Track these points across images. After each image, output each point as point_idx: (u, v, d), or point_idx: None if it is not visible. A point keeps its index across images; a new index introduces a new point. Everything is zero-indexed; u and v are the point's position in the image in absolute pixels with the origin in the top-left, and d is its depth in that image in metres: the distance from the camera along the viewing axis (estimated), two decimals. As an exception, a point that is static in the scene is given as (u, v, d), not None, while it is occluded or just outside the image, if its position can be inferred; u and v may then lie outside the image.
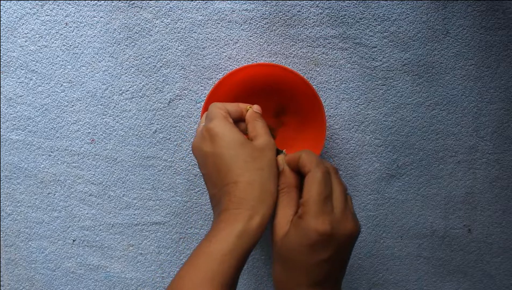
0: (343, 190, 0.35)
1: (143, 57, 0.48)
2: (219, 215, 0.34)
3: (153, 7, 0.47)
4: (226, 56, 0.48)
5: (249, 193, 0.34)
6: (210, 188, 0.37)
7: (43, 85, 0.48)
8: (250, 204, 0.34)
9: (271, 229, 0.36)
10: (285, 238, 0.34)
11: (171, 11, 0.47)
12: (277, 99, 0.47)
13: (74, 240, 0.51)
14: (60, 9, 0.47)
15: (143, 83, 0.48)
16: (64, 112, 0.49)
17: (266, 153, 0.36)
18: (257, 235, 0.33)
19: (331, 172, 0.36)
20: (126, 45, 0.48)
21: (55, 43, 0.48)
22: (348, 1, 0.47)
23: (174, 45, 0.47)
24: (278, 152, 0.38)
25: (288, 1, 0.47)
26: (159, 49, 0.48)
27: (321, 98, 0.44)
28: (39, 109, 0.49)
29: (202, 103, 0.48)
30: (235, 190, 0.34)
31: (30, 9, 0.47)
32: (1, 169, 0.50)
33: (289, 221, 0.35)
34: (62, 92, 0.48)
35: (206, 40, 0.47)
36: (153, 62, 0.48)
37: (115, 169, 0.49)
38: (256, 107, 0.41)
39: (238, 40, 0.47)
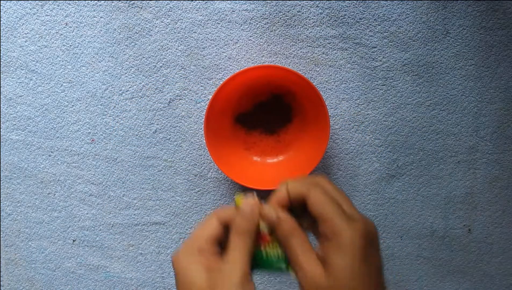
0: (344, 194, 0.32)
1: (143, 57, 0.48)
2: None
3: (153, 7, 0.47)
4: (226, 56, 0.48)
5: None
6: None
7: (43, 85, 0.48)
8: None
9: (301, 280, 0.30)
10: (329, 271, 0.29)
11: (171, 11, 0.47)
12: (280, 100, 0.47)
13: (74, 240, 0.51)
14: (60, 9, 0.47)
15: (143, 83, 0.48)
16: (64, 112, 0.49)
17: (224, 281, 0.30)
18: None
19: (326, 183, 0.32)
20: (126, 45, 0.48)
21: (55, 43, 0.48)
22: (348, 1, 0.47)
23: (174, 45, 0.47)
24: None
25: (288, 1, 0.47)
26: (159, 49, 0.48)
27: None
28: (39, 109, 0.49)
29: (202, 103, 0.48)
30: None
31: (30, 9, 0.47)
32: (1, 169, 0.50)
33: (317, 261, 0.30)
34: (62, 92, 0.48)
35: (206, 40, 0.47)
36: (153, 62, 0.48)
37: (115, 169, 0.49)
38: (249, 200, 0.32)
39: (238, 40, 0.47)
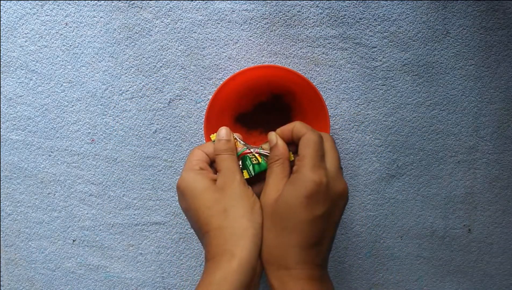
0: (337, 155, 0.36)
1: (143, 57, 0.48)
2: (204, 266, 0.35)
3: (153, 7, 0.47)
4: (226, 56, 0.48)
5: (221, 239, 0.34)
6: (199, 239, 0.38)
7: (43, 85, 0.48)
8: (224, 250, 0.33)
9: (260, 198, 0.36)
10: (279, 198, 0.34)
11: (171, 11, 0.47)
12: (280, 100, 0.47)
13: (74, 240, 0.51)
14: (60, 9, 0.47)
15: (143, 83, 0.48)
16: (64, 112, 0.49)
17: (226, 191, 0.35)
18: (241, 275, 0.32)
19: (328, 139, 0.36)
20: (126, 45, 0.48)
21: (55, 43, 0.48)
22: (348, 1, 0.47)
23: (174, 45, 0.47)
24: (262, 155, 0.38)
25: (288, 1, 0.47)
26: (159, 49, 0.48)
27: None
28: (39, 109, 0.49)
29: (202, 103, 0.48)
30: (208, 239, 0.35)
31: (30, 9, 0.47)
32: (1, 169, 0.50)
33: (280, 189, 0.35)
34: (62, 92, 0.48)
35: (206, 40, 0.47)
36: (153, 62, 0.48)
37: (115, 169, 0.49)
38: (222, 133, 0.38)
39: (238, 40, 0.47)
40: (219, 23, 0.47)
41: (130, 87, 0.48)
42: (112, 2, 0.47)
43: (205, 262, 0.35)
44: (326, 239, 0.34)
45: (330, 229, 0.34)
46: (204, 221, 0.35)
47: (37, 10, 0.47)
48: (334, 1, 0.47)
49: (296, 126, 0.37)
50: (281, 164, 0.36)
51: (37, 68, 0.48)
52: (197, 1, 0.47)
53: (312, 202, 0.33)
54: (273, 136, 0.38)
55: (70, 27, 0.47)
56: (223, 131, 0.38)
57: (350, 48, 0.47)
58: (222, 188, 0.36)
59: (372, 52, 0.48)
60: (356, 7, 0.47)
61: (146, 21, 0.47)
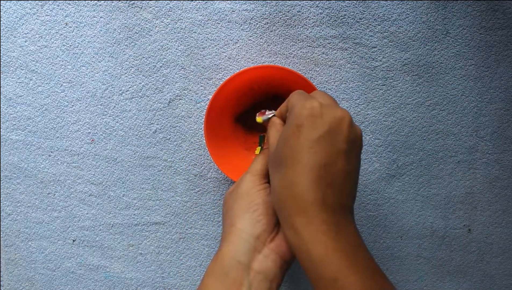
0: (327, 94, 0.34)
1: (143, 57, 0.48)
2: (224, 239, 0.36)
3: (153, 7, 0.47)
4: (226, 56, 0.48)
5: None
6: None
7: (43, 85, 0.48)
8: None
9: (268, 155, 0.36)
10: (277, 143, 0.33)
11: (171, 11, 0.47)
12: (280, 100, 0.47)
13: (74, 240, 0.51)
14: (60, 9, 0.47)
15: (143, 83, 0.48)
16: (64, 112, 0.49)
17: (243, 196, 0.36)
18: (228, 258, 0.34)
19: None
20: (126, 45, 0.48)
21: (55, 43, 0.48)
22: (348, 1, 0.47)
23: (174, 45, 0.47)
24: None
25: (288, 1, 0.47)
26: (159, 49, 0.48)
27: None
28: (39, 109, 0.49)
29: (202, 103, 0.48)
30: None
31: (30, 9, 0.47)
32: (1, 169, 0.50)
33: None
34: (62, 92, 0.48)
35: (206, 40, 0.47)
36: (153, 62, 0.48)
37: (115, 169, 0.49)
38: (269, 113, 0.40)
39: (238, 40, 0.47)
40: (219, 23, 0.47)
41: (130, 87, 0.48)
42: (112, 2, 0.47)
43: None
44: (337, 173, 0.30)
45: (338, 160, 0.30)
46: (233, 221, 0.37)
47: (37, 10, 0.47)
48: (334, 1, 0.47)
49: (284, 102, 0.37)
50: (276, 126, 0.37)
51: (37, 68, 0.48)
52: (197, 1, 0.47)
53: (305, 128, 0.30)
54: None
55: (70, 27, 0.47)
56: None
57: (350, 48, 0.47)
58: (242, 195, 0.38)
59: (372, 52, 0.48)
60: (356, 7, 0.47)
61: (146, 21, 0.47)
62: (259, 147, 0.44)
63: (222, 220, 0.43)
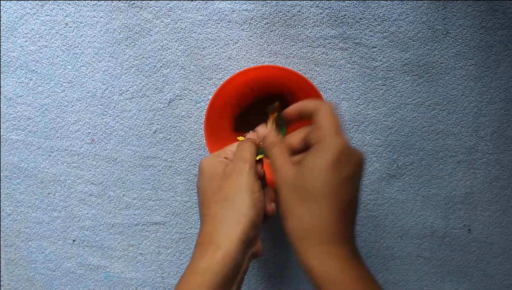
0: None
1: (143, 57, 0.48)
2: (193, 253, 0.35)
3: (153, 7, 0.47)
4: (226, 56, 0.48)
5: (212, 227, 0.34)
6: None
7: (43, 85, 0.48)
8: (212, 239, 0.34)
9: (276, 180, 0.35)
10: (302, 169, 0.33)
11: (171, 11, 0.47)
12: (280, 100, 0.47)
13: (74, 240, 0.51)
14: (60, 9, 0.47)
15: (143, 83, 0.48)
16: (64, 112, 0.49)
17: (231, 179, 0.35)
18: (222, 271, 0.32)
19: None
20: (126, 45, 0.48)
21: (55, 43, 0.48)
22: (348, 1, 0.47)
23: (174, 45, 0.47)
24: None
25: (288, 1, 0.47)
26: (159, 49, 0.48)
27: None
28: (39, 109, 0.49)
29: (202, 103, 0.48)
30: (202, 224, 0.35)
31: (30, 9, 0.47)
32: (1, 169, 0.50)
33: (291, 166, 0.34)
34: (62, 92, 0.48)
35: (206, 40, 0.47)
36: (153, 62, 0.48)
37: (115, 169, 0.49)
38: (250, 135, 0.42)
39: (238, 40, 0.47)
40: (219, 23, 0.47)
41: (130, 87, 0.48)
42: (112, 2, 0.47)
43: (195, 245, 0.35)
44: (354, 206, 0.33)
45: (356, 195, 0.33)
46: (206, 204, 0.36)
47: (37, 10, 0.47)
48: (334, 1, 0.47)
49: (303, 103, 0.36)
50: (280, 147, 0.36)
51: (37, 68, 0.48)
52: (197, 1, 0.47)
53: (339, 166, 0.32)
54: (260, 128, 0.40)
55: (70, 27, 0.47)
56: (251, 134, 0.42)
57: (350, 48, 0.47)
58: (229, 176, 0.36)
59: (372, 52, 0.47)
60: (356, 7, 0.47)
61: (146, 21, 0.47)
62: (244, 136, 0.43)
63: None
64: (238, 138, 0.43)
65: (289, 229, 0.33)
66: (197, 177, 0.39)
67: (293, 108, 0.37)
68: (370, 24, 0.47)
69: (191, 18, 0.47)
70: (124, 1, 0.47)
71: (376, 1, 0.47)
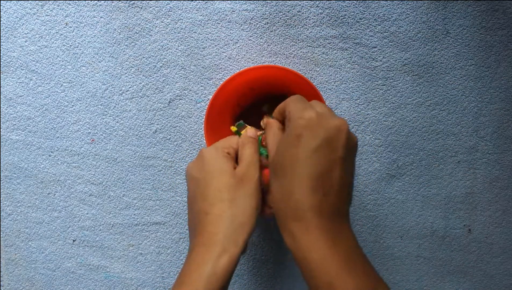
0: (325, 105, 0.36)
1: (143, 57, 0.48)
2: (192, 251, 0.34)
3: (153, 7, 0.47)
4: (226, 56, 0.48)
5: (219, 228, 0.34)
6: (188, 211, 0.38)
7: (43, 85, 0.48)
8: (219, 241, 0.33)
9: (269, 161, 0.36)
10: (276, 150, 0.34)
11: (171, 11, 0.47)
12: (280, 100, 0.47)
13: (74, 240, 0.51)
14: (60, 9, 0.47)
15: (143, 83, 0.48)
16: (64, 112, 0.49)
17: (244, 184, 0.35)
18: (226, 275, 0.32)
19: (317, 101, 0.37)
20: (126, 45, 0.48)
21: (55, 43, 0.48)
22: (348, 1, 0.47)
23: (174, 45, 0.47)
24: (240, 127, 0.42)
25: (288, 1, 0.47)
26: (159, 49, 0.48)
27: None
28: (39, 109, 0.49)
29: (202, 103, 0.48)
30: (205, 222, 0.34)
31: (30, 9, 0.47)
32: (1, 169, 0.50)
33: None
34: (62, 92, 0.48)
35: (206, 40, 0.47)
36: (153, 62, 0.48)
37: (115, 169, 0.49)
38: (250, 131, 0.41)
39: (238, 40, 0.47)
40: (219, 23, 0.47)
41: (130, 87, 0.48)
42: (112, 2, 0.47)
43: (194, 240, 0.35)
44: (333, 181, 0.31)
45: (335, 167, 0.31)
46: (210, 201, 0.35)
47: (37, 10, 0.47)
48: (334, 1, 0.47)
49: (279, 105, 0.37)
50: (272, 127, 0.37)
51: (37, 68, 0.48)
52: (197, 1, 0.47)
53: (304, 139, 0.31)
54: (264, 119, 0.42)
55: (70, 27, 0.47)
56: (251, 130, 0.42)
57: (350, 48, 0.47)
58: (241, 179, 0.36)
59: (372, 52, 0.48)
60: (356, 7, 0.47)
61: (146, 21, 0.47)
62: (236, 129, 0.44)
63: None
64: (231, 128, 0.43)
65: (273, 208, 0.34)
66: (192, 164, 0.38)
67: (275, 112, 0.38)
68: (370, 24, 0.47)
69: (191, 18, 0.47)
70: (124, 1, 0.47)
71: (376, 1, 0.47)
